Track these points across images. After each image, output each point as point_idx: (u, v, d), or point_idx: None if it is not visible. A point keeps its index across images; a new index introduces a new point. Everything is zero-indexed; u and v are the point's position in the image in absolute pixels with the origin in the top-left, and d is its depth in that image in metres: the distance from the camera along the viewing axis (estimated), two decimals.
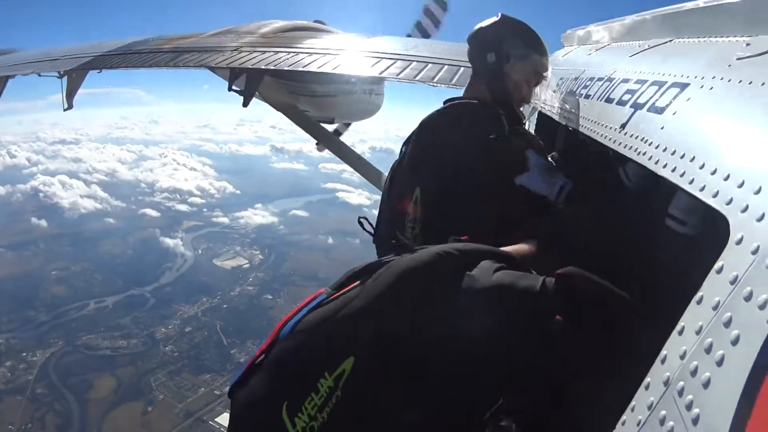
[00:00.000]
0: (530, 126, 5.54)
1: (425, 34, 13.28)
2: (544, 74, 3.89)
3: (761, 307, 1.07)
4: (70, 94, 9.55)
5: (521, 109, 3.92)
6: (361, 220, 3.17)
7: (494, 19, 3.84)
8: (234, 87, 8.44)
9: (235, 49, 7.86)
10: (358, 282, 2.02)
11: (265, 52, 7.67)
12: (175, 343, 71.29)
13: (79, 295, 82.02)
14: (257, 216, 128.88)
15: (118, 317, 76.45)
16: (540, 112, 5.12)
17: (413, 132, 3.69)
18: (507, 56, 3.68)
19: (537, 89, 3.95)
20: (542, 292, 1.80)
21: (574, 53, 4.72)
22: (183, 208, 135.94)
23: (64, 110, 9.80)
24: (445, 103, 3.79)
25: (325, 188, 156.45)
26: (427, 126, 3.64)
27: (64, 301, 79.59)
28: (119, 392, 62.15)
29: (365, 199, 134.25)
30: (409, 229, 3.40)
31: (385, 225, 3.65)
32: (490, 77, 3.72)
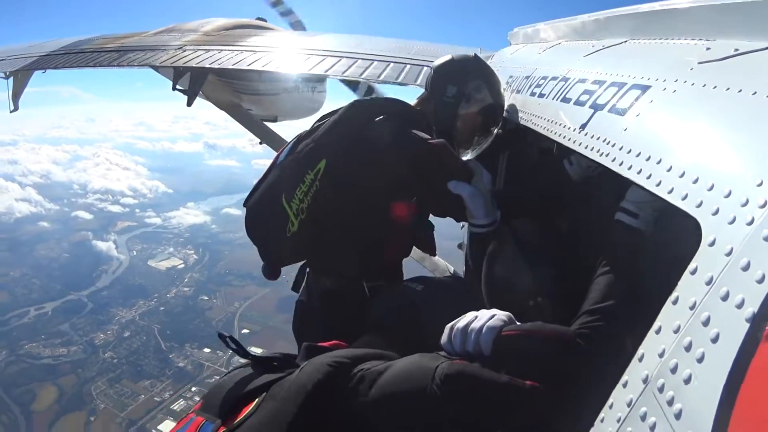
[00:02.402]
0: None
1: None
2: (493, 129, 3.87)
3: (739, 307, 1.11)
4: (16, 96, 9.20)
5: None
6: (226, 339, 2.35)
7: (468, 55, 3.91)
8: (178, 86, 8.36)
9: (179, 48, 7.74)
10: (254, 404, 1.94)
11: (209, 50, 7.56)
12: (114, 349, 70.02)
13: (20, 301, 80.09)
14: (190, 215, 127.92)
15: (58, 323, 74.70)
16: None
17: (341, 108, 3.61)
18: (467, 96, 3.69)
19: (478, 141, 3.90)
20: (429, 395, 1.78)
21: (523, 51, 4.74)
22: (116, 209, 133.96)
23: (11, 112, 9.45)
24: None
25: None
26: (360, 108, 3.61)
27: (5, 309, 77.54)
28: (62, 402, 60.62)
29: None
30: (297, 200, 3.30)
31: (271, 186, 3.51)
32: (442, 108, 3.72)
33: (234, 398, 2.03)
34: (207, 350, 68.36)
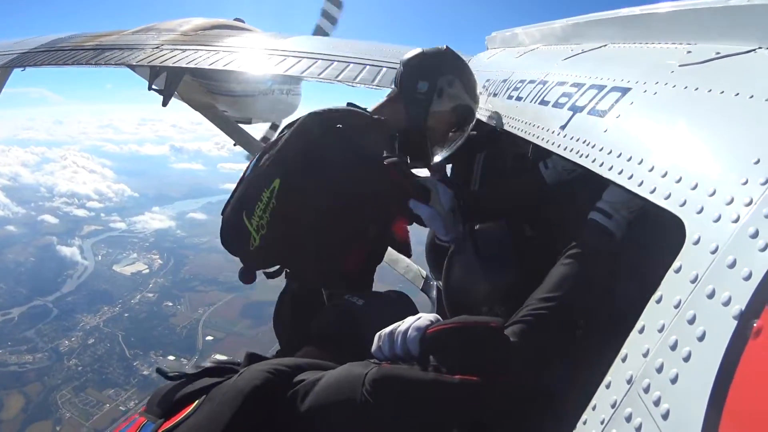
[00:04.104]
0: None
1: (325, 35, 13.15)
2: (466, 127, 3.78)
3: (725, 304, 1.11)
4: None
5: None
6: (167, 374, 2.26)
7: (440, 48, 3.75)
8: (154, 86, 8.27)
9: (156, 47, 7.64)
10: (193, 406, 1.93)
11: (185, 50, 7.48)
12: (78, 356, 68.82)
13: None
14: (155, 220, 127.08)
15: (23, 330, 73.36)
16: None
17: (299, 120, 3.49)
18: (439, 91, 3.59)
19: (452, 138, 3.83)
20: (361, 403, 1.78)
21: (501, 55, 4.75)
22: (81, 213, 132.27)
23: None
24: (348, 105, 3.67)
25: (223, 189, 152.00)
26: (311, 122, 3.43)
27: None
28: (28, 411, 59.52)
29: None
30: (257, 216, 3.27)
31: (236, 200, 3.49)
32: (413, 105, 3.61)
33: (174, 399, 2.03)
34: (171, 358, 67.48)
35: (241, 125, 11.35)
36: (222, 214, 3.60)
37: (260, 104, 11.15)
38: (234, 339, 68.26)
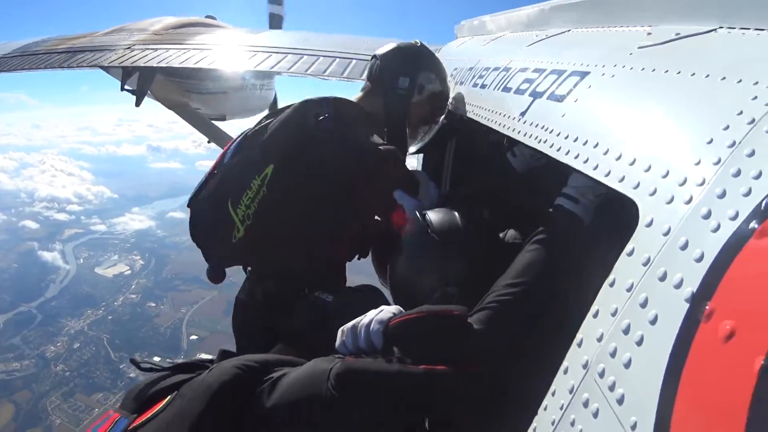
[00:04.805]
0: None
1: (279, 19, 13.07)
2: (439, 117, 3.87)
3: (677, 287, 1.10)
4: None
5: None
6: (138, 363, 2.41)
7: (413, 43, 3.79)
8: (126, 87, 8.23)
9: (127, 48, 7.59)
10: (165, 402, 1.94)
11: (157, 49, 7.42)
12: (65, 361, 68.46)
13: None
14: (135, 221, 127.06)
15: (9, 337, 72.82)
16: None
17: (287, 108, 3.46)
18: (420, 87, 3.63)
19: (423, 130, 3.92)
20: (326, 397, 1.77)
21: (469, 44, 4.74)
22: (62, 216, 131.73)
23: None
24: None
25: None
26: (306, 108, 3.38)
27: None
28: (18, 419, 59.26)
29: None
30: (243, 206, 3.18)
31: (216, 190, 3.39)
32: (395, 101, 3.62)
33: (147, 395, 2.03)
34: (157, 358, 65.93)
35: (215, 122, 11.18)
36: (189, 205, 3.51)
37: (234, 100, 11.05)
38: (218, 337, 67.22)
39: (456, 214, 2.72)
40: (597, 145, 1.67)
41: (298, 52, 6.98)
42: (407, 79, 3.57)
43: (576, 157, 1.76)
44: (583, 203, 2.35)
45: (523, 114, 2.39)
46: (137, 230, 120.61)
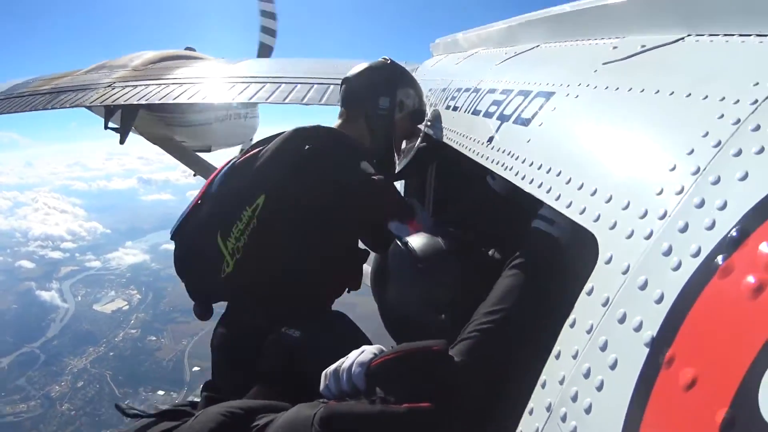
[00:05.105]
0: None
1: (269, 49, 13.38)
2: (419, 130, 3.83)
3: (636, 330, 1.03)
4: None
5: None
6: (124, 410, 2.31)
7: (383, 61, 3.74)
8: (110, 125, 8.35)
9: (108, 86, 7.65)
10: None
11: (137, 86, 7.48)
12: (70, 400, 67.69)
13: None
14: (129, 255, 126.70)
15: (14, 378, 72.10)
16: None
17: (280, 136, 3.32)
18: (401, 104, 3.58)
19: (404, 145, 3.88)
20: None
21: (443, 62, 4.72)
22: (56, 254, 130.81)
23: None
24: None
25: None
26: (297, 137, 3.25)
27: None
28: None
29: None
30: (233, 238, 3.04)
31: (202, 221, 3.23)
32: (379, 122, 3.56)
33: None
34: (161, 393, 66.89)
35: (200, 154, 11.23)
36: (172, 237, 3.37)
37: (218, 131, 11.11)
38: None
39: (438, 238, 2.64)
40: (560, 173, 1.61)
41: (276, 81, 7.07)
42: (387, 99, 3.53)
43: (539, 186, 1.69)
44: (559, 224, 2.30)
45: (490, 140, 2.33)
46: (132, 264, 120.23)
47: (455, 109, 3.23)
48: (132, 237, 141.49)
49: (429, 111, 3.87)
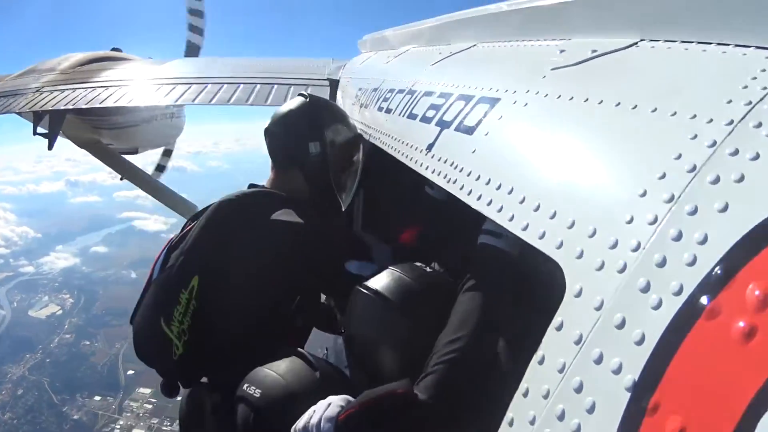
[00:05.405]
0: None
1: (196, 48, 13.25)
2: (356, 157, 3.62)
3: (616, 372, 0.96)
4: None
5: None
6: None
7: (302, 100, 3.54)
8: (39, 129, 8.27)
9: (36, 91, 7.67)
10: None
11: (64, 90, 7.49)
12: (12, 409, 67.15)
13: None
14: (60, 259, 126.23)
15: None
16: None
17: (206, 213, 3.19)
18: (331, 144, 3.39)
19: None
20: None
21: (372, 60, 4.65)
22: None
23: None
24: (249, 187, 3.44)
25: (121, 218, 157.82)
26: (222, 211, 3.15)
27: None
28: None
29: (162, 224, 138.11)
30: (177, 322, 2.94)
31: (147, 308, 3.14)
32: (314, 169, 3.38)
33: None
34: (98, 398, 67.48)
35: (126, 156, 11.33)
36: (131, 322, 3.25)
37: (145, 132, 11.09)
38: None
39: (399, 274, 2.47)
40: (512, 190, 1.50)
41: (202, 81, 7.20)
42: (317, 143, 3.36)
43: (489, 204, 1.59)
44: (506, 236, 2.23)
45: (430, 147, 2.23)
46: (63, 268, 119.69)
47: (388, 111, 3.13)
48: (62, 240, 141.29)
49: (358, 114, 3.80)
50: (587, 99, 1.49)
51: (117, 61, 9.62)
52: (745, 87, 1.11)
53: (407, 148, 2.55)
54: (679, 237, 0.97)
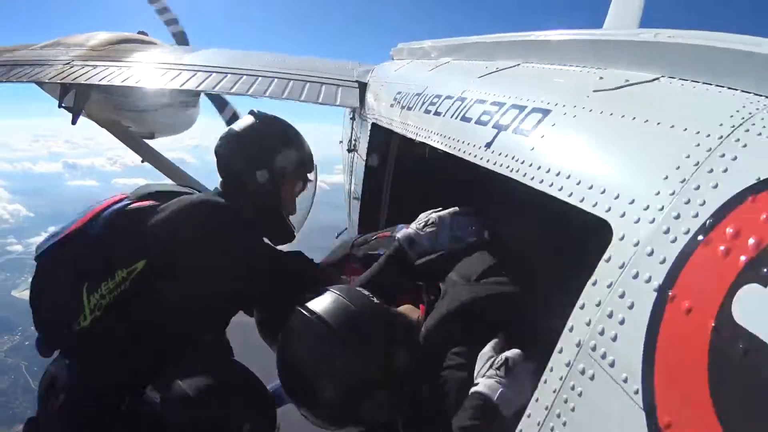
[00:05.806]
0: (364, 137, 5.73)
1: (183, 37, 13.03)
2: (310, 179, 3.53)
3: (647, 281, 1.47)
4: None
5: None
6: None
7: (251, 123, 3.33)
8: (63, 103, 7.98)
9: (66, 63, 7.37)
10: None
11: (96, 66, 7.23)
12: None
13: None
14: None
15: None
16: (374, 124, 5.20)
17: (183, 200, 3.05)
18: (281, 171, 3.25)
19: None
20: None
21: (410, 68, 4.94)
22: None
23: None
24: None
25: None
26: (201, 212, 3.01)
27: None
28: None
29: None
30: (98, 295, 2.72)
31: (72, 261, 2.88)
32: (263, 197, 3.25)
33: None
34: None
35: (146, 141, 11.15)
36: (38, 258, 2.98)
37: (162, 118, 10.90)
38: None
39: (342, 298, 2.40)
40: (570, 176, 1.97)
41: (237, 72, 7.01)
42: (265, 171, 3.21)
43: (551, 185, 2.04)
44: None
45: (488, 145, 2.58)
46: None
47: (437, 113, 3.39)
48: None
49: (397, 113, 4.03)
50: (624, 115, 1.99)
51: (146, 44, 9.47)
52: (732, 116, 1.60)
53: (463, 144, 2.86)
54: (688, 202, 1.49)
